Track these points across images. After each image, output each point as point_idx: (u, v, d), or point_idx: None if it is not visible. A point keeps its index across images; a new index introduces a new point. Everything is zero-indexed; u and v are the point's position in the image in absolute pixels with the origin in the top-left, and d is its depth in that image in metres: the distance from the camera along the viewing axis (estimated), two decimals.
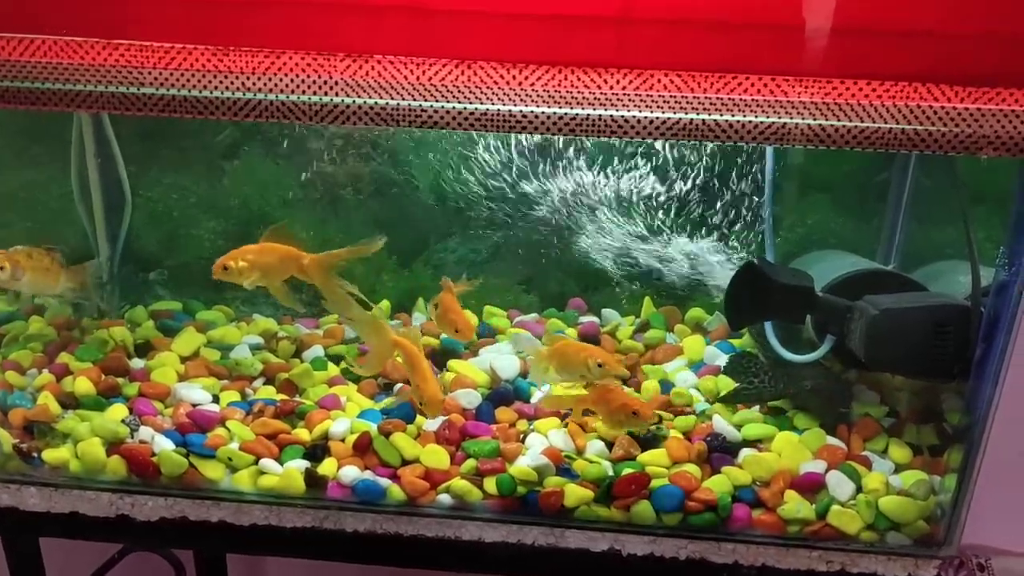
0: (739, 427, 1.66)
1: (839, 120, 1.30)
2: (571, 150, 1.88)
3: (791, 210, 1.94)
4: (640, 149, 1.87)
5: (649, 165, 1.88)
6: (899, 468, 1.62)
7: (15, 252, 1.67)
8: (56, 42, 1.33)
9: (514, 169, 1.90)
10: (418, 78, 1.31)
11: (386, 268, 2.05)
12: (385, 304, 2.06)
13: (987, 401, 1.47)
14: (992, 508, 1.72)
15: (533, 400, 1.77)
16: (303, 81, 1.32)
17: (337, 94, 1.32)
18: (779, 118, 1.30)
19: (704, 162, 1.87)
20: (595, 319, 2.06)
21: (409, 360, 1.59)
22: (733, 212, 1.90)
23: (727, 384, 1.78)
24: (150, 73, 1.33)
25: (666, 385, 1.81)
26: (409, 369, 1.60)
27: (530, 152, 1.89)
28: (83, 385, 1.71)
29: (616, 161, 1.88)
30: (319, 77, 1.32)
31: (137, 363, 1.84)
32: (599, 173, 1.89)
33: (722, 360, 1.86)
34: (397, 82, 1.31)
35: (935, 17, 1.25)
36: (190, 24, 1.32)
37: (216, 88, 1.33)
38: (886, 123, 1.29)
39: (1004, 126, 1.28)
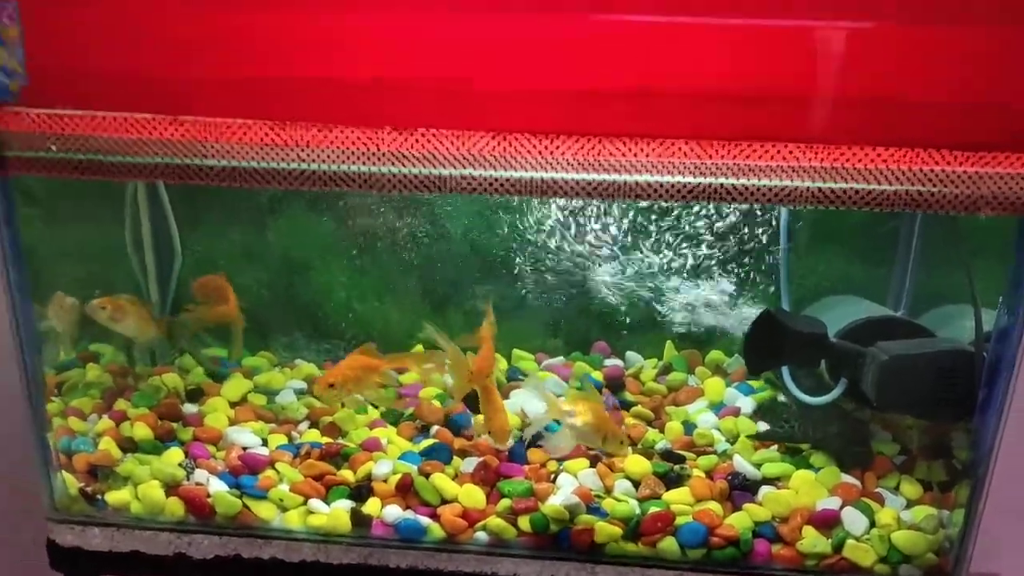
0: (759, 466, 1.74)
1: (846, 183, 1.40)
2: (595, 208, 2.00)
3: (806, 258, 2.04)
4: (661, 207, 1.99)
5: (670, 220, 1.99)
6: (910, 504, 1.69)
7: (120, 297, 1.84)
8: (127, 119, 1.45)
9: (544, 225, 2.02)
10: (458, 148, 1.42)
11: (421, 313, 2.15)
12: (419, 348, 2.15)
13: (991, 441, 1.55)
14: (998, 541, 1.78)
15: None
16: (352, 152, 1.43)
17: (384, 163, 1.44)
18: (791, 182, 1.40)
19: (722, 219, 1.98)
20: (619, 362, 2.15)
21: (484, 392, 1.72)
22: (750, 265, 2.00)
23: (747, 426, 1.87)
24: (212, 146, 1.45)
25: (689, 426, 1.89)
26: (483, 400, 1.72)
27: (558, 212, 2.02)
28: (142, 430, 1.82)
29: (640, 216, 2.00)
30: (367, 148, 1.43)
31: (189, 408, 1.94)
32: (621, 226, 2.00)
33: (742, 401, 1.95)
34: (439, 152, 1.43)
35: (934, 88, 1.35)
36: (249, 102, 1.44)
37: (273, 159, 1.45)
38: (891, 185, 1.39)
39: (1001, 187, 1.37)
